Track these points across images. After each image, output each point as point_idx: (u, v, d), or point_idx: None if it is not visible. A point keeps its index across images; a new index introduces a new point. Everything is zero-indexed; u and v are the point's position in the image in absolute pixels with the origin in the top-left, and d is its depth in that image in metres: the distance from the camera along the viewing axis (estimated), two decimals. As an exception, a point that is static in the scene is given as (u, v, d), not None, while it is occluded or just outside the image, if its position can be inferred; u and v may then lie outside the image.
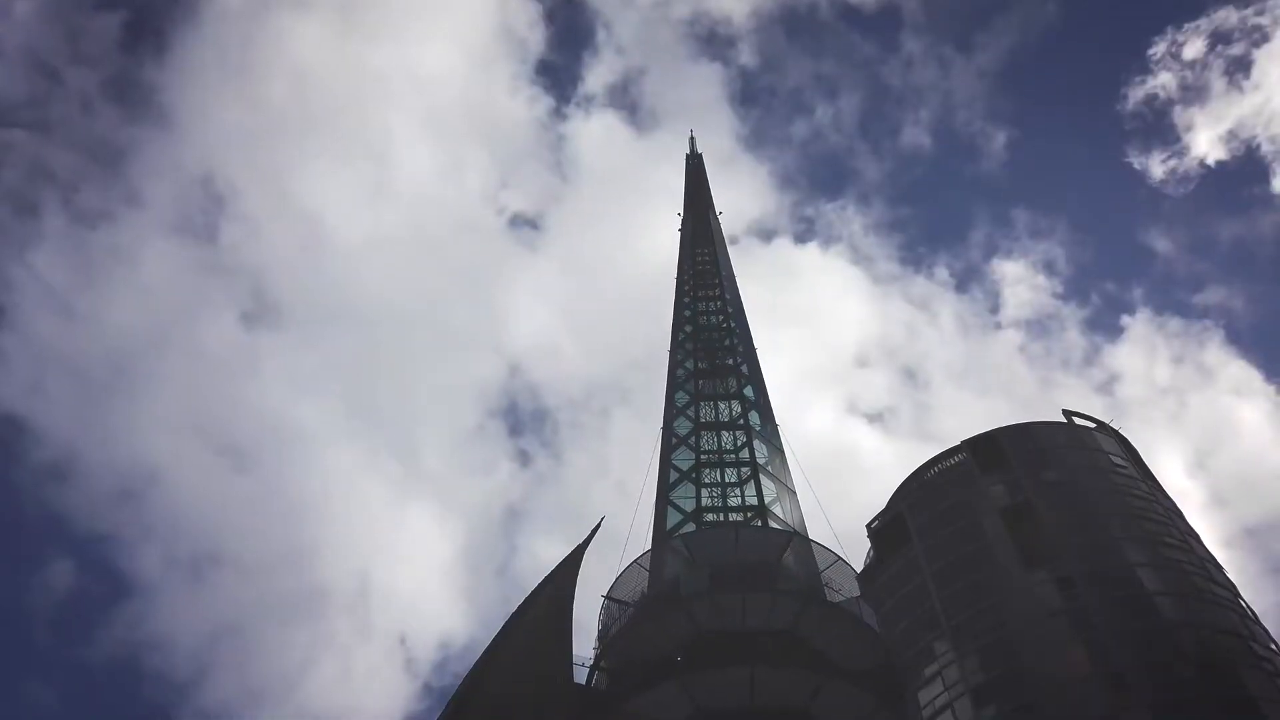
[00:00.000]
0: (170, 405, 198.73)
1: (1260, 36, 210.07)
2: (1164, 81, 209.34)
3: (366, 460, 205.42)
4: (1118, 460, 70.76)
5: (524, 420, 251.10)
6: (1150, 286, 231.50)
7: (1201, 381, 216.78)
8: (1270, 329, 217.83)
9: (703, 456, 44.18)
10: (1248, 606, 61.91)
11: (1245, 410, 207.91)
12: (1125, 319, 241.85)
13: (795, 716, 32.00)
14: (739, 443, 45.73)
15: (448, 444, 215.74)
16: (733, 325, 53.94)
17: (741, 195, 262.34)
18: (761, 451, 44.23)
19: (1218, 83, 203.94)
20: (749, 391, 48.06)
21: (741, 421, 45.33)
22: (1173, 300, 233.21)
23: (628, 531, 42.55)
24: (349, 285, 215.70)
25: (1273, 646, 59.09)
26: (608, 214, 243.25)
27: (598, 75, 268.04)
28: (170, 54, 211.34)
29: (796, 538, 36.82)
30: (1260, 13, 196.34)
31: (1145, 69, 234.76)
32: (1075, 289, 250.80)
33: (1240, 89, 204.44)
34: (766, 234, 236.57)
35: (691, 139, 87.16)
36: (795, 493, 43.75)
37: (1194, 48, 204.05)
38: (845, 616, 34.25)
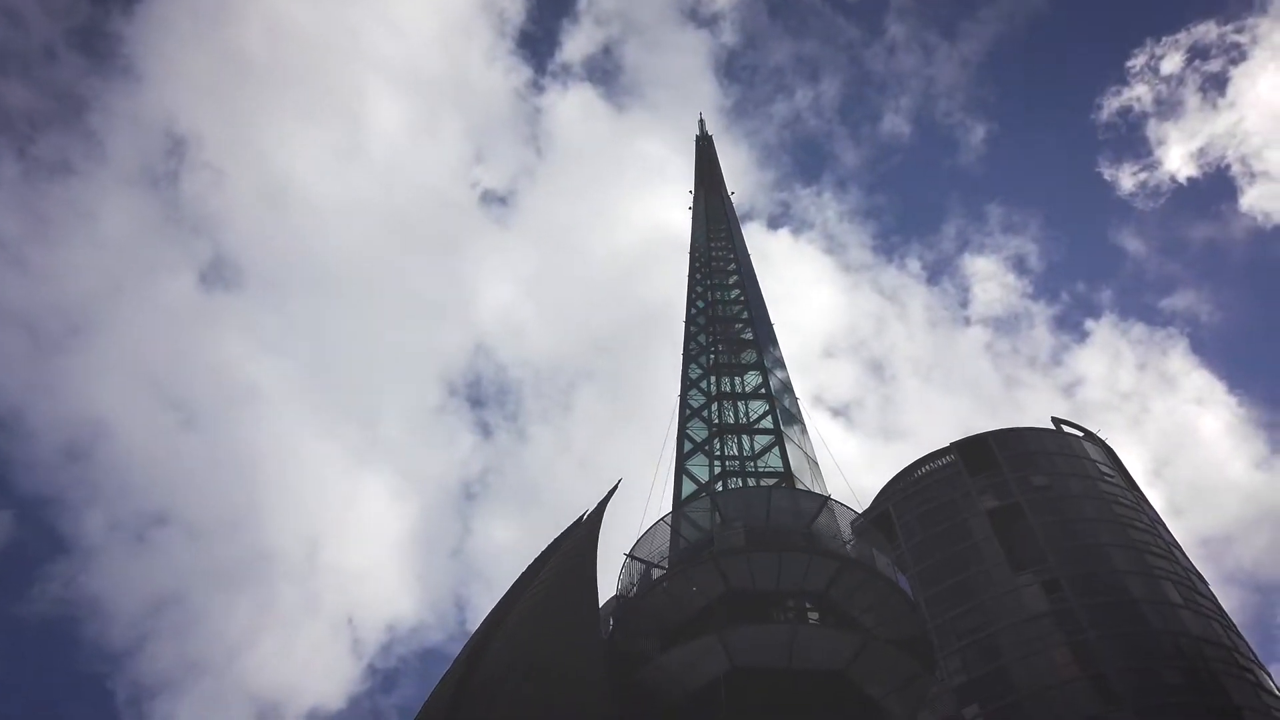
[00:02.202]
0: (123, 362, 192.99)
1: (1238, 54, 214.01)
2: (1139, 94, 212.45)
3: (323, 424, 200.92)
4: (1105, 469, 71.27)
5: (487, 395, 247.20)
6: (1119, 288, 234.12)
7: (1164, 389, 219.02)
8: (1235, 339, 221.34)
9: (725, 425, 42.99)
10: (1229, 618, 62.50)
11: (1206, 420, 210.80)
12: (1090, 323, 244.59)
13: (832, 679, 30.79)
14: (754, 414, 44.66)
15: (408, 413, 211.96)
16: (748, 298, 52.98)
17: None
18: (783, 420, 43.12)
19: (1192, 98, 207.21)
20: (767, 362, 47.00)
21: (763, 391, 44.28)
22: (1139, 304, 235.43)
23: (645, 497, 41.20)
24: (314, 246, 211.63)
25: (1253, 657, 59.66)
26: (581, 193, 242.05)
27: (577, 44, 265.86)
28: (140, 3, 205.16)
29: (830, 501, 35.65)
30: (1240, 30, 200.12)
31: (1122, 79, 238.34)
32: (1045, 286, 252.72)
33: (1214, 106, 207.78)
34: (740, 217, 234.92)
35: (701, 121, 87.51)
36: (817, 463, 42.82)
37: (1172, 62, 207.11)
38: (882, 582, 33.15)
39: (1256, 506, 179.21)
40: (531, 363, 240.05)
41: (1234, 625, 61.95)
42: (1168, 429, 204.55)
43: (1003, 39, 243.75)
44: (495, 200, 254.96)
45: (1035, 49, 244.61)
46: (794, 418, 44.98)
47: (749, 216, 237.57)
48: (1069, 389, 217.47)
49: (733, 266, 56.57)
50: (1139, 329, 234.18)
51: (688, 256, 57.45)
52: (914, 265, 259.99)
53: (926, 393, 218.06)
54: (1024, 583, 63.85)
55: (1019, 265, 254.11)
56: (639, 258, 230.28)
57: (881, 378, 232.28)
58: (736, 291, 53.16)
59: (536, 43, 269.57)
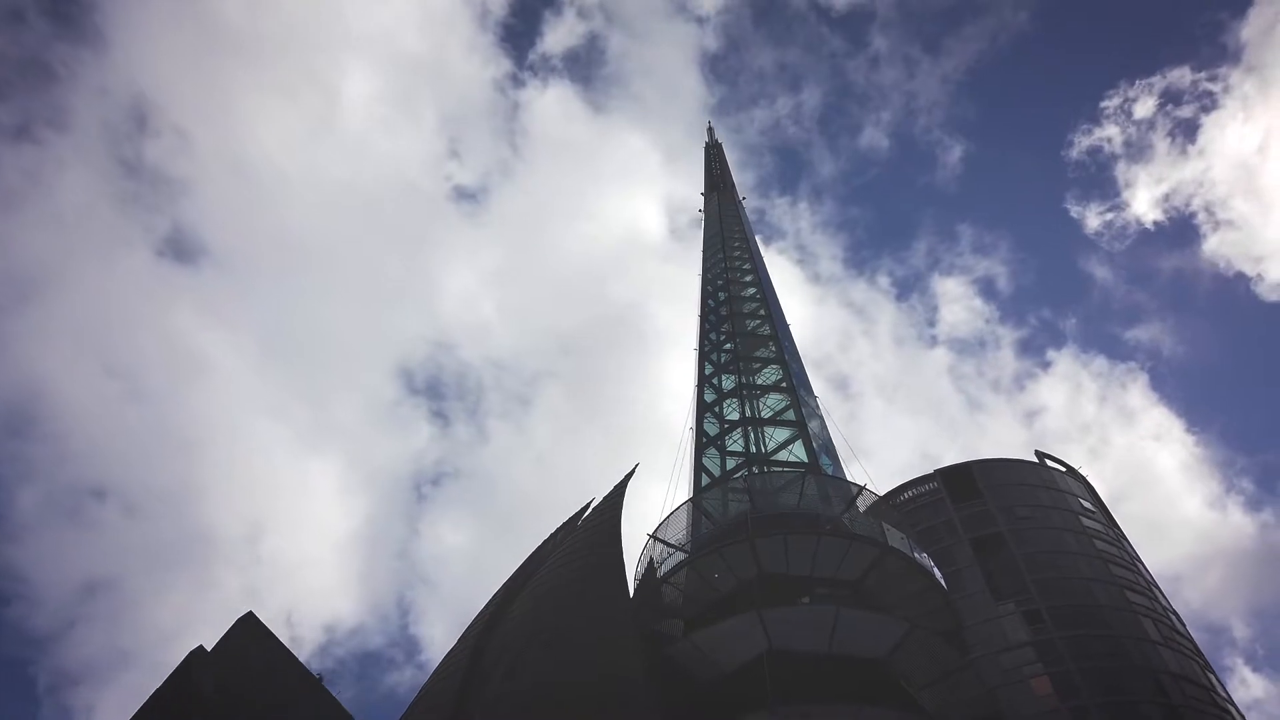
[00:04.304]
0: (70, 330, 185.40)
1: (1210, 102, 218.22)
2: (1110, 134, 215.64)
3: (274, 404, 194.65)
4: (1087, 505, 71.53)
5: (446, 388, 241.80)
6: (1084, 315, 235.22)
7: (1123, 423, 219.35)
8: (1194, 376, 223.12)
9: (745, 418, 42.01)
10: (1206, 658, 62.75)
11: (1162, 456, 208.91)
12: (1051, 353, 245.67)
13: (872, 666, 29.63)
14: (773, 408, 43.78)
15: (363, 400, 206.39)
16: (765, 296, 52.34)
17: (695, 185, 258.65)
18: (804, 413, 42.29)
19: (1162, 143, 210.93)
20: (787, 356, 46.26)
21: (784, 384, 43.43)
22: (1103, 333, 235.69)
23: (667, 489, 39.86)
24: (278, 222, 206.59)
25: (1228, 696, 59.87)
26: (554, 192, 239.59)
27: (558, 37, 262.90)
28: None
29: (865, 490, 34.73)
30: (1213, 79, 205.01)
31: (1094, 119, 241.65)
32: (1012, 309, 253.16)
33: (1184, 152, 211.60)
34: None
35: (710, 128, 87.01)
36: (837, 455, 42.00)
37: (1144, 106, 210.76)
38: (920, 573, 32.23)
39: (1209, 546, 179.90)
40: (493, 358, 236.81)
41: (1210, 665, 62.17)
42: (1125, 464, 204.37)
43: (984, 57, 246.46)
44: (467, 195, 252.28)
45: (1016, 69, 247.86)
46: (813, 411, 44.23)
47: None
48: (1030, 417, 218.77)
49: (748, 266, 56.14)
50: (1100, 362, 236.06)
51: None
52: (884, 281, 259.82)
53: (890, 412, 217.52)
54: (1005, 612, 63.34)
55: (988, 288, 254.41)
56: (609, 260, 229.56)
57: (846, 394, 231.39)
58: (753, 290, 52.55)
59: (518, 36, 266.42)
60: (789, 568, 31.74)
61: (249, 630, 7.31)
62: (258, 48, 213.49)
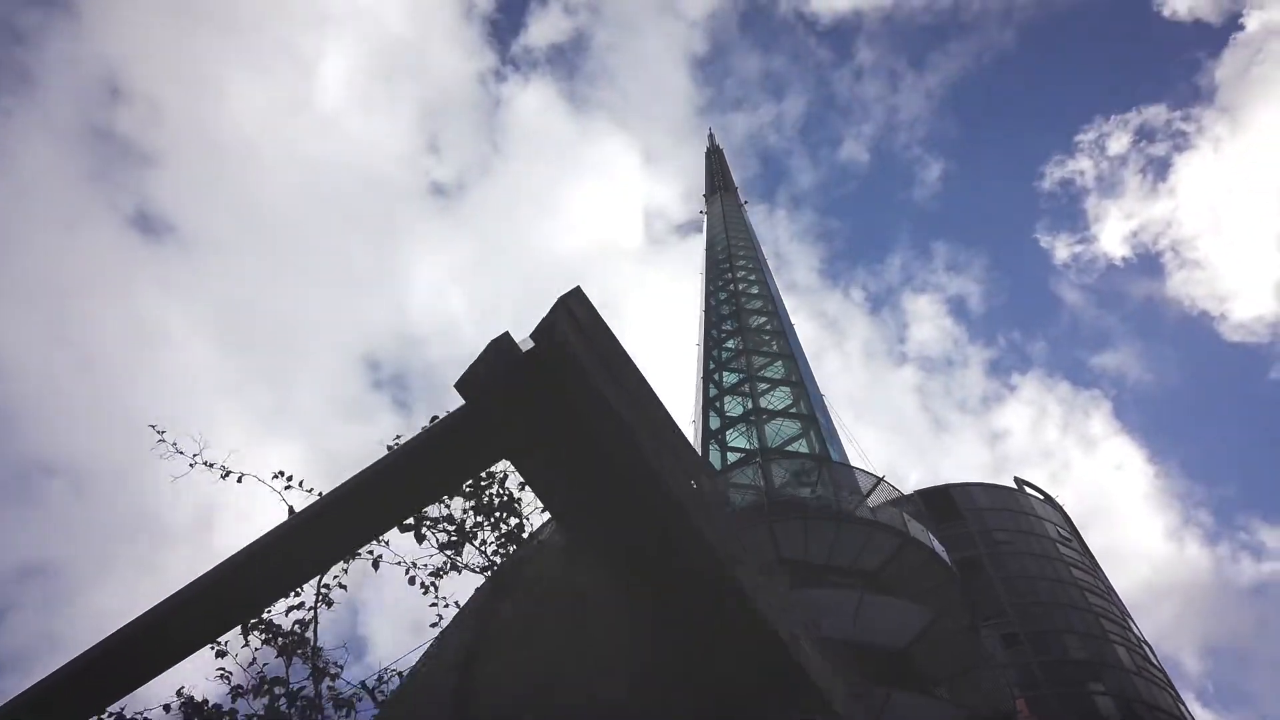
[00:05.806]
0: (25, 302, 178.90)
1: (1183, 142, 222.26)
2: (1084, 167, 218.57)
3: (233, 383, 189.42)
4: (1064, 532, 71.74)
5: (410, 380, 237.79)
6: (1052, 340, 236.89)
7: (1085, 450, 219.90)
8: (1158, 406, 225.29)
9: (752, 410, 41.21)
10: (1177, 690, 62.93)
11: (1123, 486, 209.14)
12: (1016, 377, 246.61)
13: (890, 657, 28.69)
14: (779, 404, 43.05)
15: (325, 387, 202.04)
16: (769, 293, 51.91)
17: (674, 189, 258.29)
18: (813, 407, 41.62)
19: (1133, 179, 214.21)
20: (793, 351, 45.68)
21: (792, 379, 42.77)
22: (1069, 359, 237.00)
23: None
24: (247, 198, 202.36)
25: (1201, 730, 59.96)
26: (529, 192, 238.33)
27: (543, 30, 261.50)
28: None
29: (884, 481, 33.98)
30: (1186, 118, 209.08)
31: (1068, 150, 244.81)
32: (982, 330, 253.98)
33: (1154, 190, 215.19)
34: (685, 229, 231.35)
35: (710, 134, 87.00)
36: (843, 449, 41.30)
37: (1119, 142, 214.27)
38: (939, 567, 31.47)
39: (1166, 577, 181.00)
40: (461, 354, 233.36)
41: (1181, 697, 62.25)
42: (1085, 491, 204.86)
43: (968, 75, 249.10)
44: (443, 190, 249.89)
45: (998, 91, 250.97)
46: (821, 406, 43.57)
47: (693, 229, 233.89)
48: (994, 439, 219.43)
49: (752, 265, 55.83)
50: (1064, 387, 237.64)
51: (703, 258, 56.99)
52: (857, 295, 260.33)
53: (856, 428, 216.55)
54: (983, 635, 62.81)
55: (959, 307, 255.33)
56: (582, 261, 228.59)
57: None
58: (757, 289, 52.15)
59: (503, 30, 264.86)
60: (807, 554, 30.80)
61: (580, 304, 6.20)
62: (234, 19, 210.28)
